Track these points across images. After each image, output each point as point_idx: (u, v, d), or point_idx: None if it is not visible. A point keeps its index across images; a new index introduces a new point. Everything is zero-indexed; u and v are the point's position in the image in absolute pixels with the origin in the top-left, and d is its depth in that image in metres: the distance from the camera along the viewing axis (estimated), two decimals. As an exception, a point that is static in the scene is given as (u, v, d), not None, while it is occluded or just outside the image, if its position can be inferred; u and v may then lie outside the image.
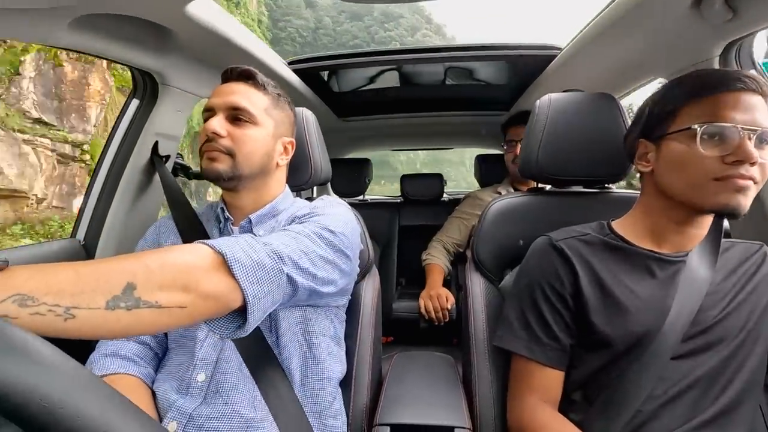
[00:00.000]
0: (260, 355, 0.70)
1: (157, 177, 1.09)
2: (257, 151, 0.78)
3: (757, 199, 0.82)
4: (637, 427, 0.62)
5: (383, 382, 0.91)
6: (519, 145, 1.62)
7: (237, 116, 0.76)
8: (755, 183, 0.60)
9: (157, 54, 0.95)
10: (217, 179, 0.76)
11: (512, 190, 1.68)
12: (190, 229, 0.81)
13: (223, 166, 0.74)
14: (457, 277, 1.72)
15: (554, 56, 1.30)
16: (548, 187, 1.00)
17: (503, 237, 0.91)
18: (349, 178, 2.28)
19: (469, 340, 0.87)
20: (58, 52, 5.92)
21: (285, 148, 0.84)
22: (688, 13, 0.78)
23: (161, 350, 0.79)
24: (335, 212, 0.75)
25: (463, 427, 0.74)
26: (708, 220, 0.70)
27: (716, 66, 0.88)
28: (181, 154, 1.22)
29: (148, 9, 0.79)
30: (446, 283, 1.61)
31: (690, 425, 0.61)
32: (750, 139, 0.59)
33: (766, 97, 0.61)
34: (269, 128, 0.79)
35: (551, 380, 0.70)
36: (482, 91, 1.92)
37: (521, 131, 1.64)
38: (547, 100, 0.90)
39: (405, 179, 2.46)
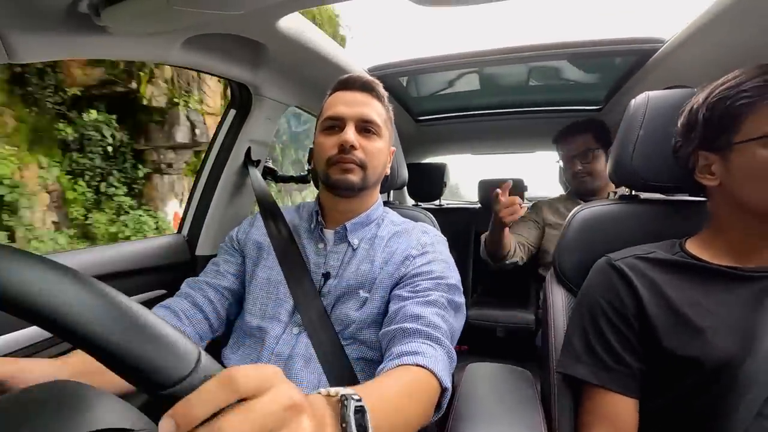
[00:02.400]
0: (331, 352, 0.72)
1: (249, 179, 1.19)
2: (381, 163, 0.82)
3: None
4: None
5: (455, 394, 0.89)
6: (578, 161, 1.50)
7: (367, 128, 0.78)
8: None
9: (251, 67, 1.04)
10: (349, 190, 0.78)
11: (580, 202, 1.53)
12: (276, 229, 0.86)
13: (356, 178, 0.77)
14: (536, 289, 1.62)
15: (656, 50, 1.18)
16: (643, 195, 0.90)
17: (589, 247, 0.84)
18: (425, 183, 2.27)
19: (549, 355, 0.81)
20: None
21: (389, 157, 0.87)
22: None
23: (217, 322, 0.80)
24: (448, 257, 0.80)
25: None
26: None
27: None
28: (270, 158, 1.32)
29: (245, 26, 0.87)
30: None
31: None
32: None
33: None
34: (387, 140, 0.83)
35: (623, 408, 0.64)
36: (570, 92, 1.80)
37: (579, 143, 1.52)
38: (645, 99, 0.82)
39: (483, 184, 2.38)
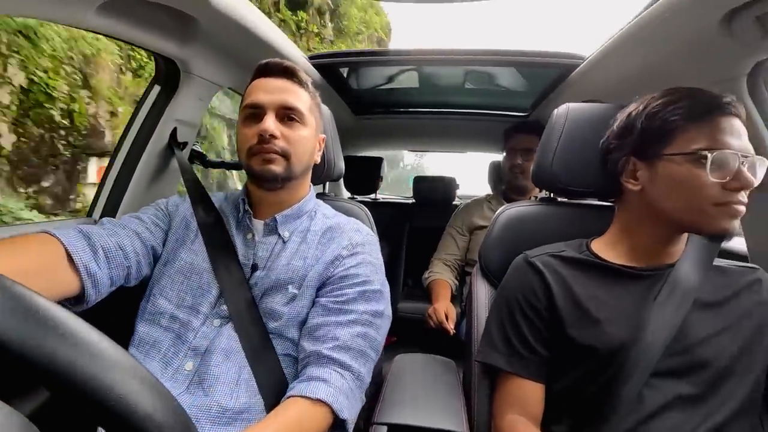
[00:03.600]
0: (260, 345, 0.70)
1: (174, 163, 1.11)
2: (307, 151, 0.79)
3: None
4: None
5: (383, 382, 0.91)
6: (519, 155, 1.62)
7: (289, 116, 0.75)
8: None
9: (180, 41, 0.96)
10: (273, 181, 0.75)
11: (504, 203, 1.66)
12: (205, 214, 0.81)
13: (279, 168, 0.74)
14: (462, 293, 1.71)
15: (576, 65, 1.29)
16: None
17: (512, 245, 0.90)
18: (361, 176, 2.28)
19: (471, 346, 0.86)
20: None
21: (319, 145, 0.85)
22: (717, 29, 0.77)
23: (136, 276, 0.74)
24: (377, 258, 0.81)
25: None
26: (685, 235, 0.71)
27: (744, 86, 0.86)
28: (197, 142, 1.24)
29: None
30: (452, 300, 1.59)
31: None
32: (744, 165, 0.60)
33: (744, 121, 0.64)
34: (313, 127, 0.80)
35: (532, 393, 0.71)
36: (502, 97, 1.91)
37: (523, 140, 1.64)
38: (565, 109, 0.89)
39: (418, 181, 2.45)
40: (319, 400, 0.62)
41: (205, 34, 0.96)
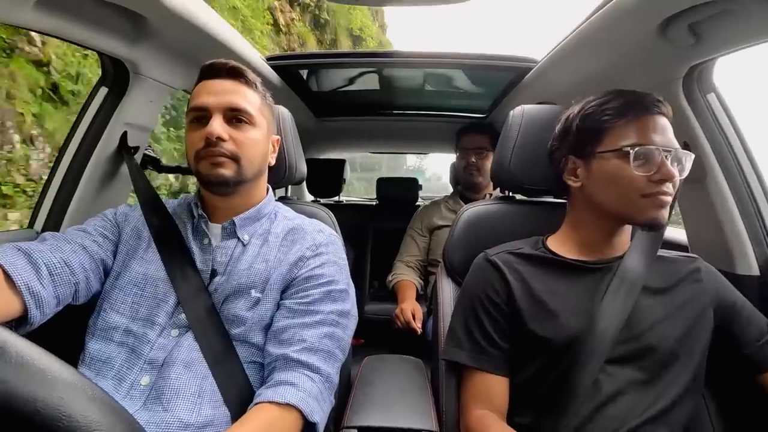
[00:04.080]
0: (223, 353, 0.68)
1: (125, 168, 1.05)
2: (258, 153, 0.77)
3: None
4: (576, 428, 0.65)
5: (352, 385, 0.91)
6: (473, 154, 1.69)
7: (237, 117, 0.73)
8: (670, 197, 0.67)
9: (129, 42, 0.92)
10: (222, 185, 0.73)
11: (461, 202, 1.72)
12: (159, 221, 0.78)
13: (229, 172, 0.71)
14: (427, 292, 1.73)
15: (530, 69, 1.34)
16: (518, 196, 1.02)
17: (474, 243, 0.92)
18: (324, 179, 2.26)
19: (438, 345, 0.88)
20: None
21: (273, 147, 0.83)
22: (655, 36, 0.82)
23: (85, 294, 0.70)
24: (342, 258, 0.80)
25: (430, 431, 0.75)
26: (628, 229, 0.76)
27: (680, 88, 0.93)
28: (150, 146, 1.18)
29: None
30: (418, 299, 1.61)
31: (624, 429, 0.64)
32: (667, 159, 0.65)
33: (670, 118, 0.70)
34: (264, 128, 0.78)
35: (497, 387, 0.73)
36: (461, 99, 1.96)
37: (476, 139, 1.72)
38: (521, 111, 0.92)
39: (381, 182, 2.46)
40: (288, 405, 0.60)
41: (155, 34, 0.92)
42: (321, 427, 0.65)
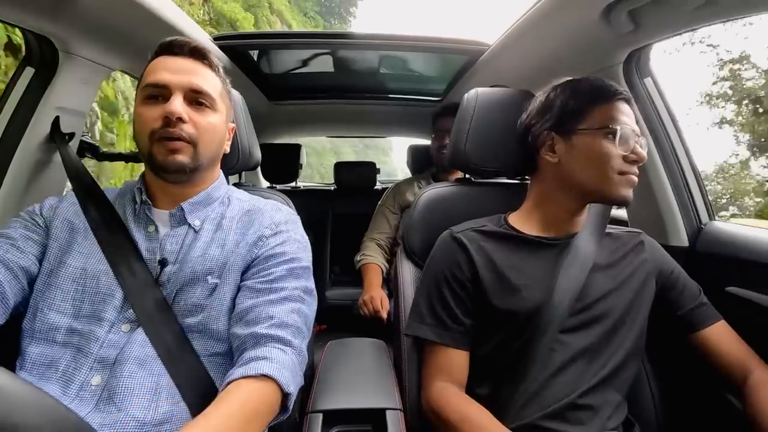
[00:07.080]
0: (176, 347, 0.65)
1: (58, 157, 0.97)
2: (216, 140, 0.73)
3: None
4: (532, 395, 0.70)
5: (316, 370, 0.91)
6: (447, 136, 1.72)
7: (198, 100, 0.69)
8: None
9: (55, 16, 0.83)
10: (179, 173, 0.68)
11: (432, 182, 1.74)
12: (96, 210, 0.72)
13: (185, 158, 0.67)
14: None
15: (483, 52, 1.36)
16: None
17: (433, 225, 0.94)
18: (280, 164, 2.21)
19: (399, 326, 0.89)
20: None
21: (228, 135, 0.79)
22: (597, 22, 0.86)
23: (13, 300, 0.64)
24: (302, 236, 0.79)
25: (395, 409, 0.77)
26: (587, 207, 0.81)
27: (620, 72, 0.98)
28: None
29: None
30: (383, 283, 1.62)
31: (576, 393, 0.69)
32: (637, 143, 0.72)
33: (632, 107, 0.76)
34: (224, 114, 0.74)
35: (458, 361, 0.77)
36: (416, 82, 1.96)
37: (450, 122, 1.73)
38: (474, 94, 0.94)
39: (338, 167, 2.44)
40: (263, 376, 0.58)
41: (85, 9, 0.84)
42: (292, 401, 0.63)
